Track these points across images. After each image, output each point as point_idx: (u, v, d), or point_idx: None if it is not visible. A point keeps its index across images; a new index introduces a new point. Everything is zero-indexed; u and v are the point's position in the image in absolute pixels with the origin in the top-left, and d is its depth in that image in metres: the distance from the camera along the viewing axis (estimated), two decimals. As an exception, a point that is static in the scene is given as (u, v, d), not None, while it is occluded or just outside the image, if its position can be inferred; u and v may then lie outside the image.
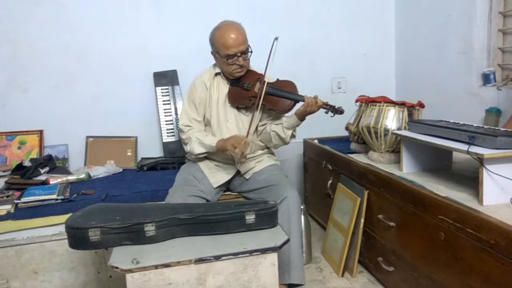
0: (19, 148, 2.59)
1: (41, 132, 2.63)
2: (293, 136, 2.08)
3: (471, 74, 2.41)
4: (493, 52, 2.36)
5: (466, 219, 1.37)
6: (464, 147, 1.46)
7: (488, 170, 1.39)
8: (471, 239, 1.35)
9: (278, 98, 2.02)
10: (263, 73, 2.00)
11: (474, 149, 1.43)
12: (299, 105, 2.00)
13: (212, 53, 2.06)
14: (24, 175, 2.30)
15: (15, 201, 2.02)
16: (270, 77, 2.06)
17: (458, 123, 1.78)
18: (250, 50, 2.01)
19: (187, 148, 2.09)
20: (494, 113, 2.20)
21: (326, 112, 1.99)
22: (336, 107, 1.97)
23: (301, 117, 1.99)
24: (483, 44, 2.37)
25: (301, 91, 2.05)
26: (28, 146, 2.60)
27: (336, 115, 1.99)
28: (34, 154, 2.58)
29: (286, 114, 2.10)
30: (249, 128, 1.97)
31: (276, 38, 1.93)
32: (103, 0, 2.67)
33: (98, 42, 2.69)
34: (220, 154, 2.04)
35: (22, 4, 2.56)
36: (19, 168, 2.34)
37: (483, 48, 2.37)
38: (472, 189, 1.54)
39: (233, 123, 2.09)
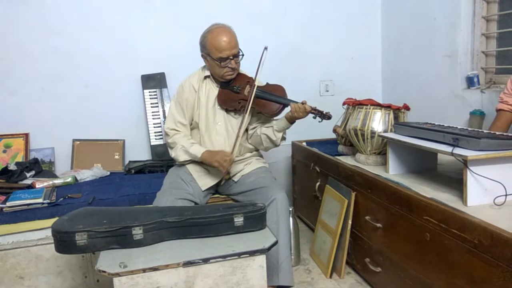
0: (4, 151, 2.55)
1: (27, 135, 2.60)
2: (283, 138, 2.09)
3: (456, 77, 2.46)
4: (476, 56, 2.41)
5: (450, 220, 1.39)
6: (448, 149, 1.49)
7: (472, 171, 1.42)
8: (456, 239, 1.37)
9: (267, 101, 2.03)
10: (253, 77, 2.02)
11: (458, 151, 1.45)
12: (288, 109, 2.02)
13: (202, 55, 2.06)
14: (9, 179, 2.27)
15: (0, 205, 2.00)
16: (260, 81, 2.08)
17: (442, 125, 1.81)
18: (241, 53, 2.02)
19: (171, 153, 2.11)
20: (478, 115, 2.25)
21: (314, 117, 2.00)
22: (324, 112, 1.98)
23: (290, 120, 2.01)
24: (467, 48, 2.41)
25: (289, 94, 2.07)
26: (13, 149, 2.57)
27: (324, 120, 2.01)
28: (20, 158, 2.55)
29: (275, 118, 2.11)
30: (234, 144, 2.00)
31: (265, 48, 1.96)
32: (91, 3, 2.65)
33: (86, 45, 2.67)
34: (223, 133, 2.08)
35: (8, 6, 2.53)
36: (5, 172, 2.31)
37: (467, 51, 2.42)
38: (457, 190, 1.57)
39: (222, 126, 2.09)
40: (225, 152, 1.98)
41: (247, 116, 2.01)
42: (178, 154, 2.06)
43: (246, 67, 2.12)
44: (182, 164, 2.14)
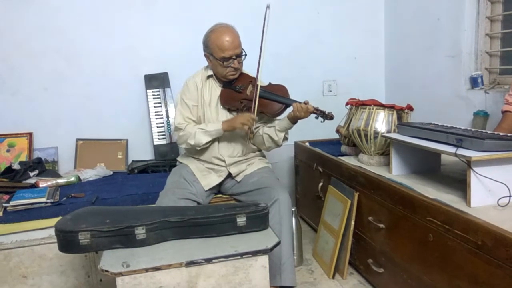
0: (8, 151, 2.57)
1: (30, 134, 2.61)
2: (285, 138, 2.09)
3: (459, 77, 2.45)
4: (480, 56, 2.40)
5: (454, 221, 1.39)
6: (452, 149, 1.48)
7: (475, 172, 1.41)
8: (459, 240, 1.36)
9: (269, 101, 2.03)
10: (255, 75, 2.02)
11: (462, 151, 1.45)
12: (290, 109, 2.01)
13: (205, 55, 2.06)
14: (13, 178, 2.28)
15: (4, 204, 2.00)
16: (262, 81, 2.08)
17: (446, 126, 1.80)
18: (244, 53, 2.02)
19: (190, 142, 2.04)
20: (481, 116, 2.24)
21: (317, 117, 2.00)
22: (326, 112, 1.97)
23: (293, 121, 2.00)
24: (471, 48, 2.40)
25: (292, 94, 2.07)
26: (17, 149, 2.58)
27: (326, 121, 2.01)
28: (24, 157, 2.56)
29: (277, 118, 2.11)
30: (254, 105, 1.97)
31: (267, 6, 1.95)
32: (94, 2, 2.66)
33: (89, 45, 2.68)
34: (223, 144, 2.08)
35: (11, 6, 2.54)
36: (8, 171, 2.32)
37: (471, 52, 2.41)
38: (460, 191, 1.57)
39: (224, 125, 2.09)
40: (245, 113, 1.98)
41: (257, 102, 1.99)
42: (198, 138, 2.01)
43: (249, 67, 2.12)
44: (185, 164, 2.14)
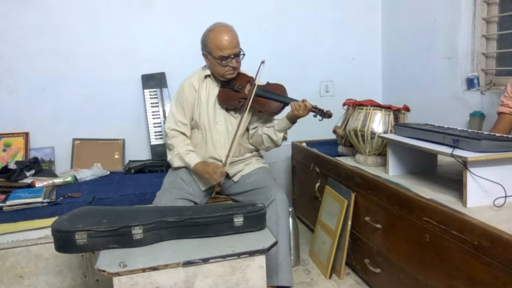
0: (4, 150, 2.56)
1: (27, 134, 2.60)
2: (284, 138, 2.09)
3: (456, 78, 2.46)
4: (476, 57, 2.41)
5: (450, 221, 1.39)
6: (448, 150, 1.49)
7: (471, 173, 1.42)
8: (455, 241, 1.37)
9: (267, 100, 2.03)
10: (253, 76, 2.02)
11: (458, 152, 1.45)
12: (289, 108, 2.02)
13: (203, 54, 2.06)
14: (9, 178, 2.27)
15: (0, 204, 2.00)
16: (260, 81, 2.08)
17: (442, 126, 1.81)
18: (242, 53, 2.03)
19: (168, 156, 2.13)
20: (478, 117, 2.25)
21: (315, 116, 2.00)
22: (325, 110, 1.98)
23: (292, 120, 2.01)
24: (467, 50, 2.42)
25: (289, 95, 2.07)
26: (13, 148, 2.57)
27: (325, 119, 2.01)
28: (20, 157, 2.55)
29: (275, 117, 2.11)
30: (227, 155, 2.01)
31: (262, 62, 1.99)
32: (92, 3, 2.65)
33: (86, 44, 2.68)
34: (223, 134, 2.10)
35: (9, 6, 2.53)
36: (5, 171, 2.31)
37: (467, 53, 2.42)
38: (456, 192, 1.57)
39: (222, 125, 2.10)
40: (217, 164, 2.01)
41: (246, 115, 2.01)
42: (173, 159, 2.09)
43: (247, 67, 2.12)
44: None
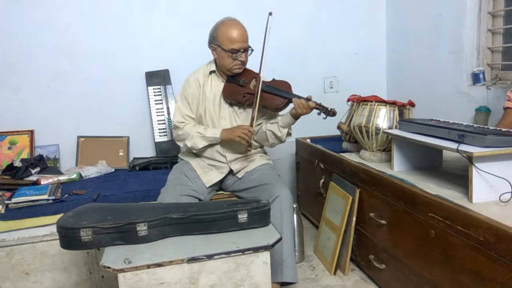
0: (9, 148, 2.57)
1: (32, 132, 2.61)
2: (289, 134, 2.09)
3: (461, 73, 2.44)
4: (482, 52, 2.39)
5: (455, 217, 1.39)
6: (454, 145, 1.48)
7: (477, 168, 1.41)
8: (461, 236, 1.36)
9: (271, 95, 2.03)
10: (259, 72, 2.02)
11: (463, 147, 1.45)
12: (292, 105, 2.01)
13: (211, 47, 2.06)
14: (15, 176, 2.28)
15: (6, 201, 2.01)
16: (266, 77, 2.08)
17: (448, 122, 1.80)
18: (251, 48, 2.03)
19: (187, 144, 2.08)
20: (483, 112, 2.23)
21: (319, 114, 1.99)
22: (329, 108, 1.97)
23: (295, 116, 2.00)
24: (472, 44, 2.39)
25: (293, 91, 2.06)
26: (18, 146, 2.58)
27: (329, 117, 2.00)
28: (25, 155, 2.56)
29: (280, 113, 2.11)
30: (252, 117, 1.98)
31: (270, 14, 1.97)
32: (95, 0, 2.65)
33: (90, 42, 2.68)
34: (224, 144, 2.07)
35: (11, 3, 2.54)
36: (10, 169, 2.32)
37: (472, 48, 2.40)
38: (462, 187, 1.56)
39: (226, 121, 2.09)
40: (243, 125, 1.99)
41: (257, 104, 1.99)
42: (195, 142, 2.05)
43: (251, 66, 2.11)
44: (186, 161, 2.14)
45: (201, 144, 2.05)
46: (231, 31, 1.97)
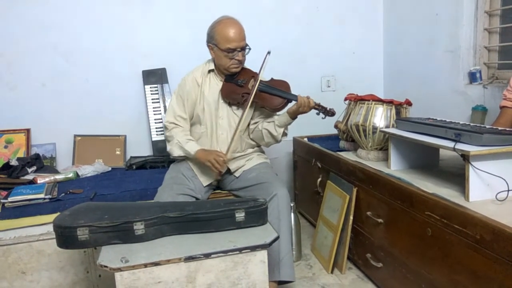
0: (5, 147, 2.56)
1: (28, 131, 2.60)
2: (284, 134, 2.09)
3: (458, 72, 2.45)
4: (479, 51, 2.40)
5: (452, 215, 1.39)
6: (450, 144, 1.48)
7: (474, 167, 1.41)
8: (458, 235, 1.37)
9: (271, 95, 2.03)
10: (257, 71, 2.02)
11: (460, 146, 1.45)
12: (291, 104, 2.01)
13: (209, 46, 2.05)
14: (11, 175, 2.27)
15: (2, 200, 2.00)
16: (264, 76, 2.08)
17: (444, 120, 1.80)
18: (248, 47, 2.03)
19: (167, 147, 2.12)
20: (480, 111, 2.24)
21: (318, 113, 2.00)
22: (328, 108, 1.98)
23: (293, 116, 2.00)
24: (469, 43, 2.40)
25: (291, 90, 2.06)
26: (15, 145, 2.57)
27: (327, 117, 2.01)
28: (21, 153, 2.55)
29: (278, 113, 2.11)
30: (229, 144, 2.00)
31: (268, 52, 1.98)
32: (91, -2, 2.65)
33: (87, 40, 2.67)
34: (225, 129, 2.08)
35: (9, 1, 2.52)
36: (6, 167, 2.31)
37: (469, 47, 2.40)
38: (459, 186, 1.57)
39: (224, 120, 2.09)
40: (219, 152, 1.99)
41: (248, 110, 2.00)
42: (172, 148, 2.08)
43: (248, 62, 2.11)
44: (184, 160, 2.14)
45: (177, 153, 2.07)
46: (228, 30, 1.96)
